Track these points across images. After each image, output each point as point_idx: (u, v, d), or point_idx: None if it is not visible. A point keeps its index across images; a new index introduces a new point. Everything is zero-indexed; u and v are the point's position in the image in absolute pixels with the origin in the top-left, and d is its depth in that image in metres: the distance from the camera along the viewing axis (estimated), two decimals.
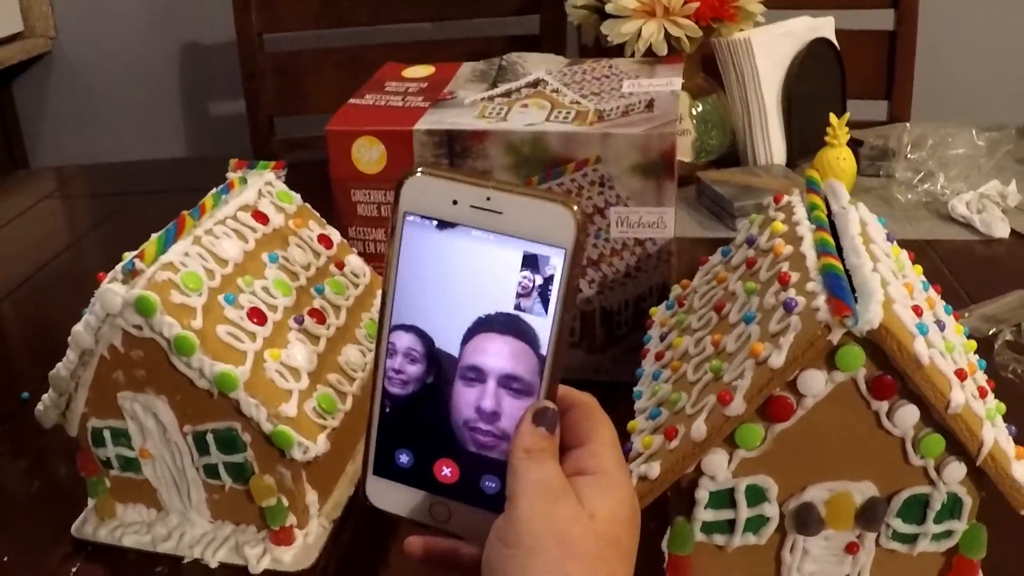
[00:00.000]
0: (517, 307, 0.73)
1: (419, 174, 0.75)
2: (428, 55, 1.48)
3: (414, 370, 0.77)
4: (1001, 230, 1.63)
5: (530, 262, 0.72)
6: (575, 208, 0.71)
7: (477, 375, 0.75)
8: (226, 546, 1.03)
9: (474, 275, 0.75)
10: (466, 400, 0.76)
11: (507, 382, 0.74)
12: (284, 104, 2.58)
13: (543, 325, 0.73)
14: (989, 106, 2.73)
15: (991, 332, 1.30)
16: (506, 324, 0.74)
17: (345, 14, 2.54)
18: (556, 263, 0.72)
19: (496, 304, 0.74)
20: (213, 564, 1.02)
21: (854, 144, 1.81)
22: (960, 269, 1.51)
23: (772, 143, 1.86)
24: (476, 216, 0.73)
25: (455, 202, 0.74)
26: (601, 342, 1.23)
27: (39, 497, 1.16)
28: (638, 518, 0.73)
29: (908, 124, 1.98)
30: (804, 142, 1.86)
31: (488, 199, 0.73)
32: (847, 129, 1.73)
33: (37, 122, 3.38)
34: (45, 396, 1.03)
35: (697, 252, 1.15)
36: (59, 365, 1.00)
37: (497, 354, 0.74)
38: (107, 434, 1.03)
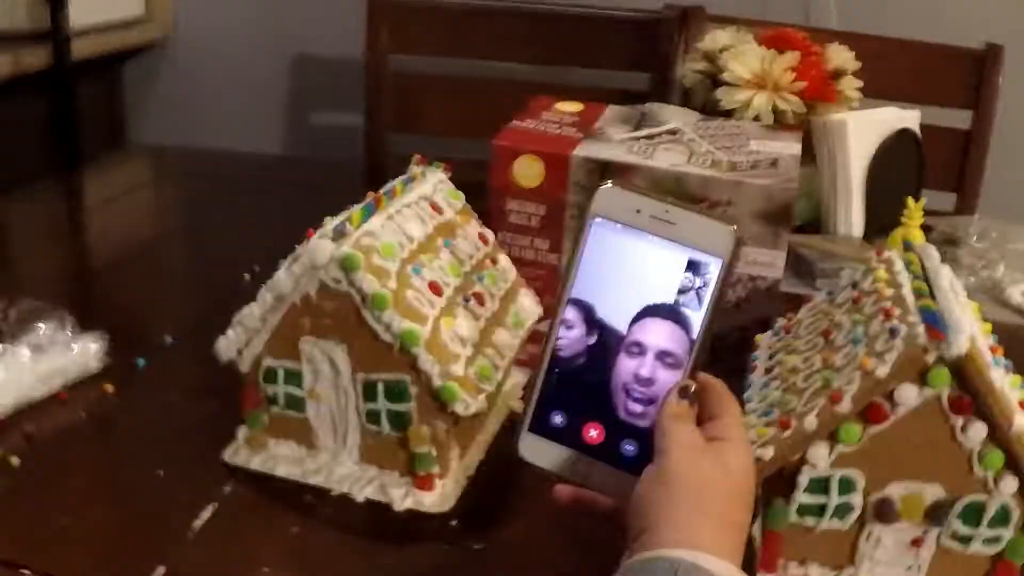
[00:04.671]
0: (677, 301, 0.91)
1: (610, 185, 0.93)
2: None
3: (587, 340, 0.94)
4: None
5: (693, 266, 0.90)
6: (735, 228, 0.89)
7: (639, 349, 0.92)
8: (372, 485, 1.15)
9: (646, 271, 0.92)
10: (627, 368, 0.93)
11: (663, 356, 0.92)
12: (400, 121, 2.70)
13: (696, 317, 0.90)
14: None
15: None
16: (668, 311, 0.91)
17: (468, 46, 2.69)
18: (714, 269, 0.89)
19: (661, 295, 0.91)
20: (359, 499, 1.14)
21: (924, 229, 1.95)
22: (1012, 351, 1.62)
23: (853, 217, 2.00)
24: (654, 225, 0.91)
25: (638, 211, 0.91)
26: (706, 361, 1.38)
27: (188, 428, 1.27)
28: (755, 477, 0.90)
29: (976, 216, 2.13)
30: (880, 220, 1.98)
31: (666, 212, 0.91)
32: (922, 213, 1.88)
33: (143, 107, 3.50)
34: (229, 331, 1.16)
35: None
36: (252, 305, 1.14)
37: (658, 334, 0.92)
38: (281, 373, 1.16)
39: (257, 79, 3.40)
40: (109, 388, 1.34)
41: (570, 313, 0.94)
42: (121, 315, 1.64)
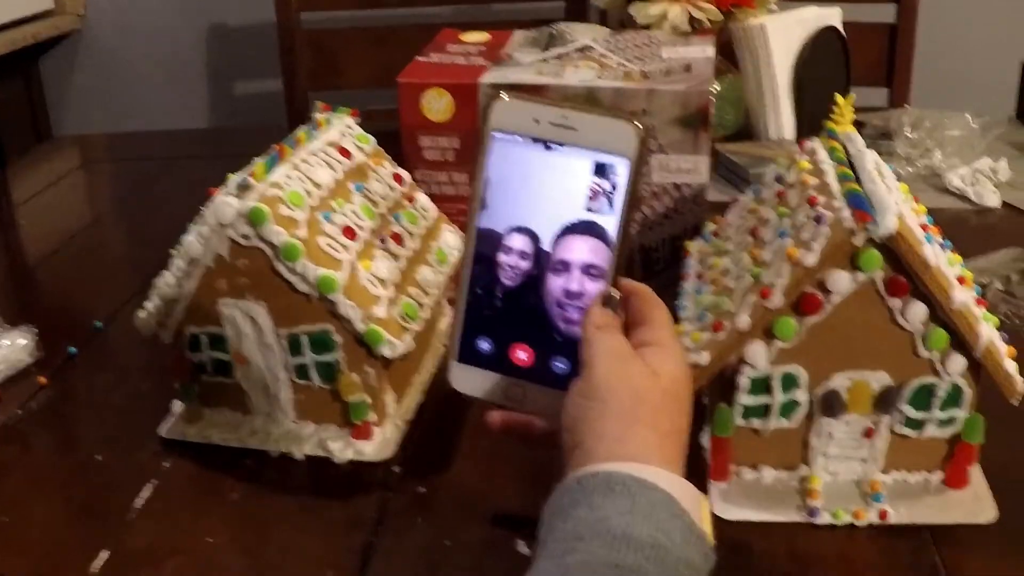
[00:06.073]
0: (588, 208, 0.88)
1: (504, 98, 0.90)
2: None
3: (523, 265, 0.91)
4: (992, 200, 1.75)
5: (600, 170, 0.87)
6: (638, 124, 0.86)
7: (564, 267, 0.90)
8: (310, 441, 1.13)
9: (553, 180, 0.88)
10: (557, 285, 0.90)
11: (587, 270, 0.89)
12: (318, 80, 2.67)
13: (610, 222, 0.87)
14: (981, 97, 2.82)
15: (983, 283, 1.43)
16: (585, 227, 0.88)
17: None
18: (622, 170, 0.86)
19: (573, 207, 0.88)
20: (299, 456, 1.12)
21: (857, 125, 1.92)
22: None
23: (783, 120, 1.98)
24: (554, 132, 0.88)
25: (536, 121, 0.88)
26: (640, 276, 1.34)
27: (124, 409, 1.25)
28: (691, 381, 0.87)
29: (908, 106, 2.11)
30: (812, 121, 1.96)
31: (564, 117, 0.87)
32: (852, 109, 1.85)
33: (63, 98, 3.48)
34: (147, 304, 1.13)
35: (714, 214, 1.28)
36: (166, 274, 1.11)
37: (580, 250, 0.89)
38: (204, 339, 1.13)
39: (175, 56, 3.37)
40: (42, 380, 1.32)
41: (512, 240, 0.92)
42: (51, 306, 1.61)
